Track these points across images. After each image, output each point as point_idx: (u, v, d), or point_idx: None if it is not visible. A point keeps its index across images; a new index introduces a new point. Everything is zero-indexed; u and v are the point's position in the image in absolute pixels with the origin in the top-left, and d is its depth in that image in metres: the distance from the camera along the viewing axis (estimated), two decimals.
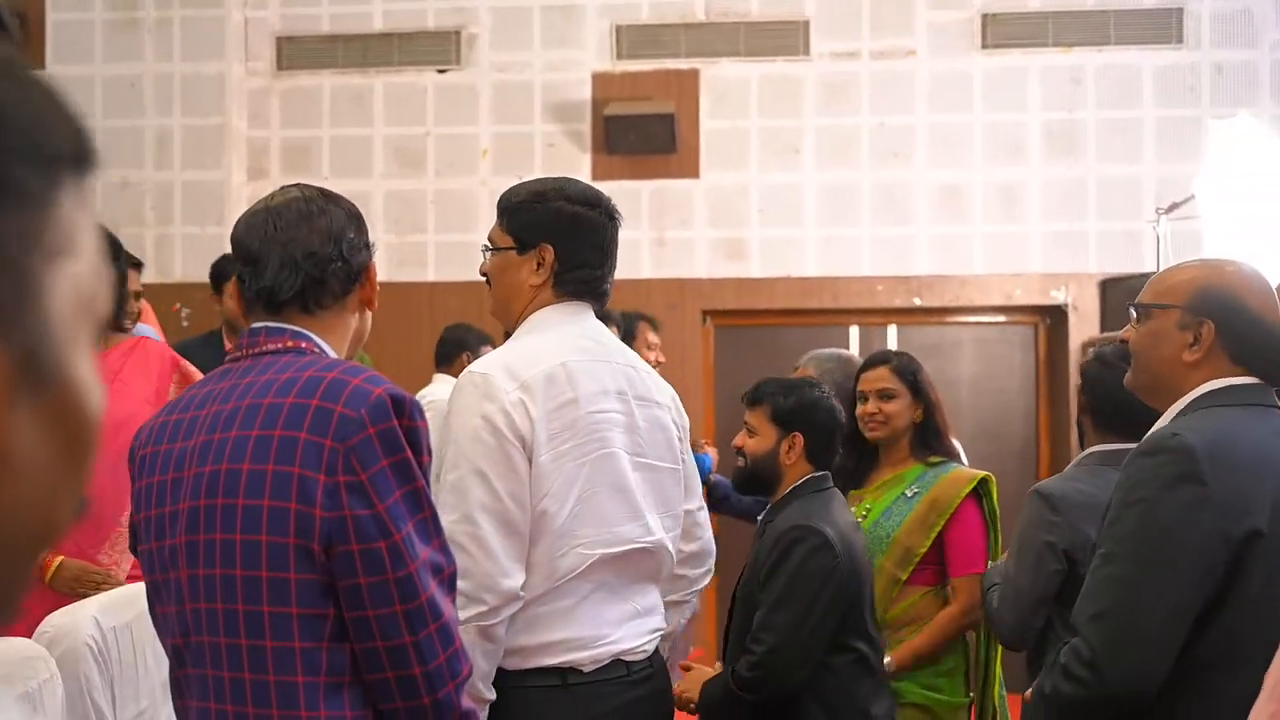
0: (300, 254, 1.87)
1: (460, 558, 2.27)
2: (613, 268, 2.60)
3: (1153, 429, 2.26)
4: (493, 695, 2.36)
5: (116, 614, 2.49)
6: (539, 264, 2.50)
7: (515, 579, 2.33)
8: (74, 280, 0.60)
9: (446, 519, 2.29)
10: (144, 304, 4.43)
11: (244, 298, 1.93)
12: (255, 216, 1.93)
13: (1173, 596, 2.04)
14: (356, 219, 1.95)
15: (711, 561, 2.81)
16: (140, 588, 2.41)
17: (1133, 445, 2.30)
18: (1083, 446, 3.16)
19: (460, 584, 2.27)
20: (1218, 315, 2.22)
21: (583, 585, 2.45)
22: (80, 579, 3.12)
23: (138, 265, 4.51)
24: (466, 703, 1.79)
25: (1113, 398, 2.82)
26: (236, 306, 4.17)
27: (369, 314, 2.00)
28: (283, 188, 1.99)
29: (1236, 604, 2.05)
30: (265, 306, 1.89)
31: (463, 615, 2.26)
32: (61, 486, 0.61)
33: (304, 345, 1.85)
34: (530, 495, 2.36)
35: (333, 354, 1.88)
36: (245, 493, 1.71)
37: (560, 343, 2.47)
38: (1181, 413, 2.23)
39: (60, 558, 3.17)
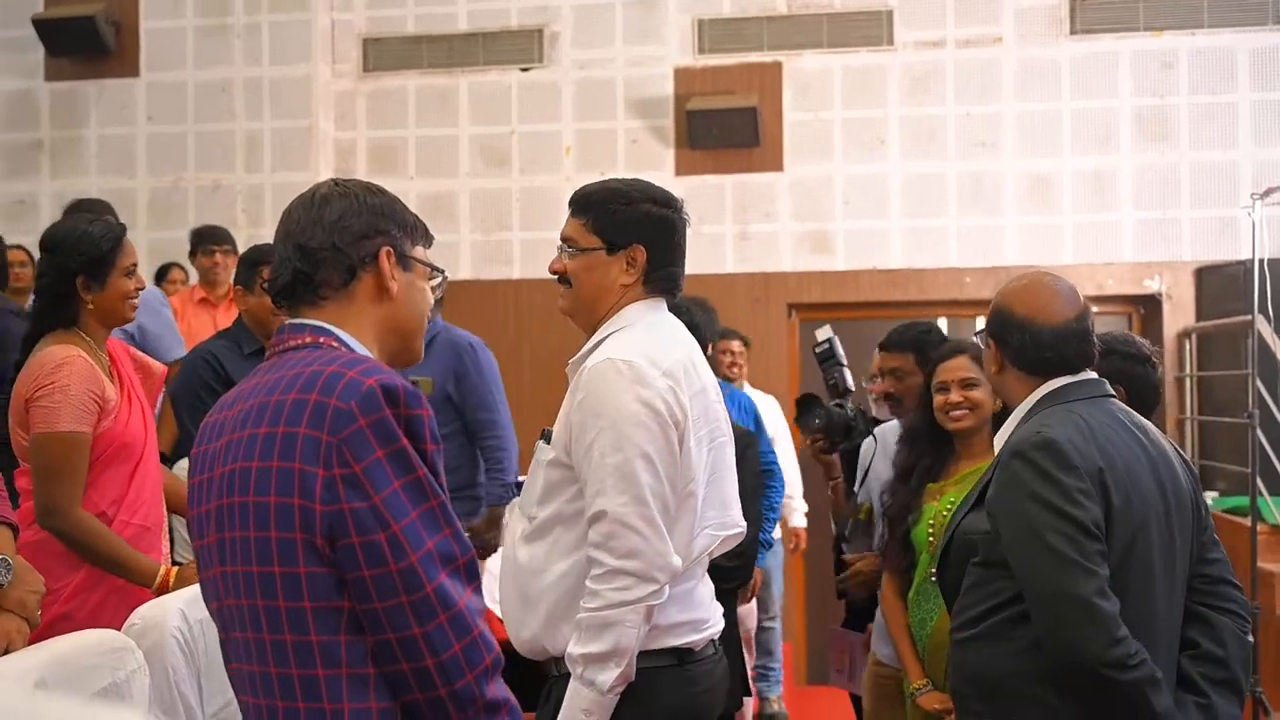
0: (292, 247, 1.88)
1: (631, 539, 2.34)
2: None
3: (999, 434, 2.53)
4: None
5: (203, 607, 2.54)
6: (629, 264, 2.54)
7: (678, 558, 2.41)
8: None
9: (613, 501, 2.34)
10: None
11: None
12: (282, 215, 1.97)
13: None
14: (368, 206, 1.90)
15: None
16: None
17: None
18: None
19: (630, 564, 2.33)
20: (995, 331, 2.51)
21: (697, 568, 2.53)
22: (185, 576, 3.13)
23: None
24: (494, 692, 1.75)
25: None
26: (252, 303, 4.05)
27: (408, 302, 1.93)
28: (320, 183, 1.99)
29: None
30: (275, 302, 1.92)
31: (634, 595, 2.33)
32: None
33: (322, 340, 1.85)
34: (679, 479, 2.43)
35: (357, 346, 1.86)
36: (255, 490, 1.73)
37: (675, 335, 2.55)
38: (1025, 417, 2.49)
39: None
